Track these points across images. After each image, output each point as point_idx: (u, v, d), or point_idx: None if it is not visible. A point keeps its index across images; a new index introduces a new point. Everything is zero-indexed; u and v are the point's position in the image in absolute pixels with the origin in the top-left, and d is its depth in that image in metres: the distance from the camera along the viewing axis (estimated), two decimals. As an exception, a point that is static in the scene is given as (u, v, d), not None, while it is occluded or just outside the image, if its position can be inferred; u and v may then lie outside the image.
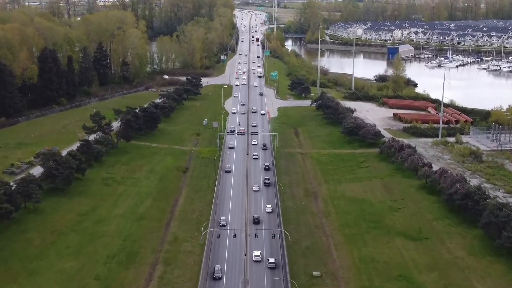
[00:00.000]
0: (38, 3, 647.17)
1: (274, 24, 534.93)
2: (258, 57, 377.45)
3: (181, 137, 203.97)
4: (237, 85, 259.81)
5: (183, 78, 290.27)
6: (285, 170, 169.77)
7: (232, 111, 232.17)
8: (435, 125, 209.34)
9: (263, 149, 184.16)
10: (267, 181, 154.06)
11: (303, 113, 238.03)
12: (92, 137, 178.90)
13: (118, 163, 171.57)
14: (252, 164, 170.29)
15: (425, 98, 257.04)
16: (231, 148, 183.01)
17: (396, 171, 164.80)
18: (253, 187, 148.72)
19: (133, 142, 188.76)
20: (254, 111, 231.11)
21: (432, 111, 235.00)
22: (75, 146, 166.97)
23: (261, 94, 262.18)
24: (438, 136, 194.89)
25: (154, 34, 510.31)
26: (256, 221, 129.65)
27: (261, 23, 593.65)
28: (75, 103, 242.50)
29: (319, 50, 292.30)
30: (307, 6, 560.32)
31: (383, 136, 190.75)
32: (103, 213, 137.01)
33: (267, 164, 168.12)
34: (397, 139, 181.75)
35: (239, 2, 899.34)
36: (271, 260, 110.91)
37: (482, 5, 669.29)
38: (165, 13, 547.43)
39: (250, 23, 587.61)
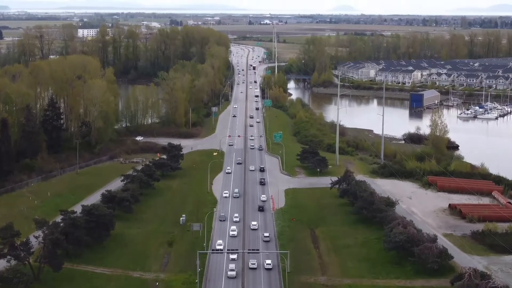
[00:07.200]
0: (10, 38, 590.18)
1: (274, 63, 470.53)
2: (255, 81, 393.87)
3: (144, 251, 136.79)
4: (226, 197, 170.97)
5: (162, 141, 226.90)
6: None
7: (220, 217, 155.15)
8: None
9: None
10: None
11: (320, 200, 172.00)
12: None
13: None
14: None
15: (483, 175, 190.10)
16: None
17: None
18: None
19: (67, 265, 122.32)
20: (254, 227, 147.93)
21: (500, 198, 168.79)
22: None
23: (261, 183, 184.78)
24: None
25: (138, 76, 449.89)
26: None
27: (259, 62, 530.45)
28: (6, 187, 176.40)
29: (338, 107, 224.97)
30: (311, 42, 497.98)
31: (451, 257, 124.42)
32: None
33: None
34: (478, 270, 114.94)
35: (235, 37, 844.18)
36: None
37: (504, 41, 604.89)
38: (151, 51, 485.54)
39: (247, 61, 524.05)
